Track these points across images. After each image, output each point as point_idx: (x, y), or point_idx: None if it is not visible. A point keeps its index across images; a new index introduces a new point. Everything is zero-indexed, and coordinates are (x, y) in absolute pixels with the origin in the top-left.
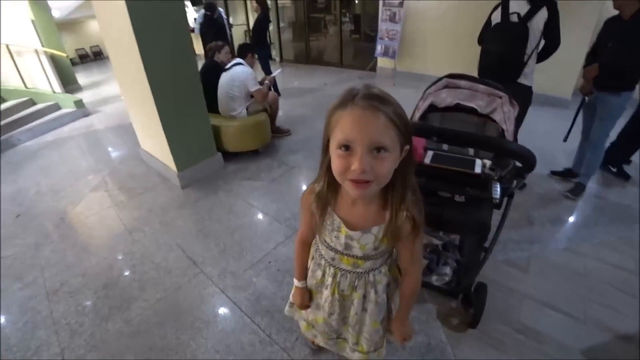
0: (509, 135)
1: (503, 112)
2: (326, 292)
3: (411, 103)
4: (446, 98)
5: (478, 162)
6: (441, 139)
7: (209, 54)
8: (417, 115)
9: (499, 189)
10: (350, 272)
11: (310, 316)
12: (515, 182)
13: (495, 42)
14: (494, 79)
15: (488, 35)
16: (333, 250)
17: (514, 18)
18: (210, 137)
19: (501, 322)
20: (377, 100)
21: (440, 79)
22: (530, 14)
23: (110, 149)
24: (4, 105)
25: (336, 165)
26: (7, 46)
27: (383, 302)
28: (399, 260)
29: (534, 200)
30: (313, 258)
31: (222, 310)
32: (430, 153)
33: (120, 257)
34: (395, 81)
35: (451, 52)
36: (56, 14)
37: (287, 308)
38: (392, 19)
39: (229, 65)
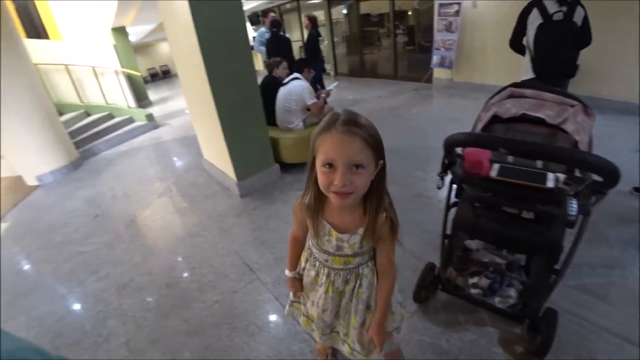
0: (583, 147)
1: (576, 122)
2: (320, 290)
3: (469, 114)
4: (511, 108)
5: (550, 175)
6: (510, 150)
7: (268, 69)
8: (479, 126)
9: (575, 206)
10: (342, 269)
11: (309, 311)
12: (594, 198)
13: (550, 42)
14: (554, 80)
15: (539, 37)
16: (326, 252)
17: (556, 18)
18: (269, 149)
19: (573, 355)
20: (353, 125)
21: (503, 89)
22: (571, 12)
23: (175, 158)
24: (89, 119)
25: (321, 180)
26: (93, 68)
27: (365, 300)
28: (377, 262)
29: (613, 220)
30: (307, 260)
31: (275, 317)
32: (496, 166)
33: (181, 260)
34: (453, 92)
35: (513, 60)
36: (132, 38)
37: (287, 308)
38: (448, 28)
39: (286, 80)
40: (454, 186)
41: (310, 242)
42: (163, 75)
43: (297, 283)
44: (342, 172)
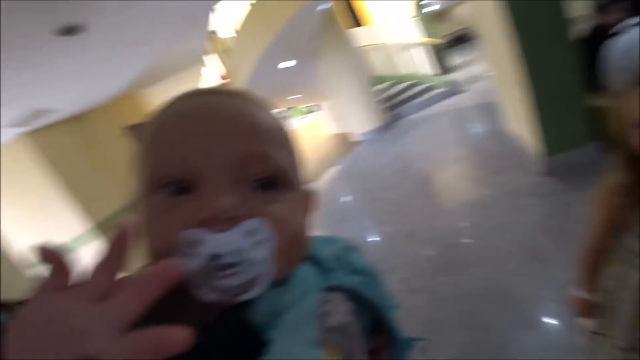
0: None
1: None
2: None
3: None
4: None
5: None
6: None
7: (594, 15)
8: None
9: None
10: None
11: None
12: None
13: None
14: None
15: None
16: None
17: None
18: (587, 122)
19: None
20: None
21: None
22: None
23: (472, 125)
24: (397, 88)
25: None
26: (400, 43)
27: None
28: None
29: None
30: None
31: (550, 321)
32: None
33: (466, 227)
34: None
35: None
36: (433, 7)
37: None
38: None
39: (621, 27)
40: None
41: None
42: (462, 39)
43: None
44: None
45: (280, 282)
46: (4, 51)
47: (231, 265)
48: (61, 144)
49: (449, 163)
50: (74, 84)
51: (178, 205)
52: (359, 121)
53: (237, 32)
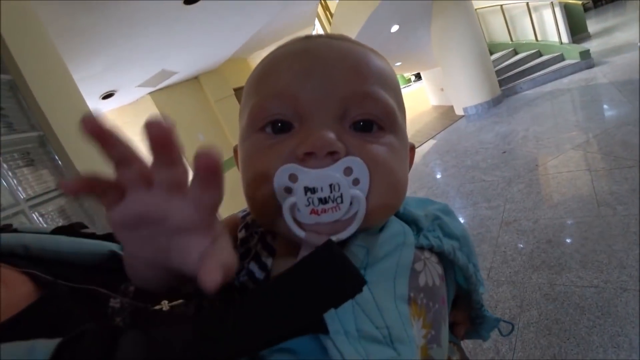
0: None
1: None
2: None
3: None
4: None
5: None
6: None
7: None
8: None
9: None
10: None
11: None
12: None
13: None
14: None
15: None
16: None
17: None
18: None
19: None
20: None
21: None
22: None
23: (607, 107)
24: (515, 58)
25: None
26: (527, 4)
27: None
28: None
29: None
30: None
31: None
32: None
33: (574, 224)
34: None
35: None
36: None
37: None
38: None
39: None
40: None
41: None
42: None
43: None
44: None
45: (374, 231)
46: (142, 19)
47: (326, 200)
48: (177, 103)
49: (565, 149)
50: (193, 47)
51: (278, 142)
52: (465, 93)
53: None
